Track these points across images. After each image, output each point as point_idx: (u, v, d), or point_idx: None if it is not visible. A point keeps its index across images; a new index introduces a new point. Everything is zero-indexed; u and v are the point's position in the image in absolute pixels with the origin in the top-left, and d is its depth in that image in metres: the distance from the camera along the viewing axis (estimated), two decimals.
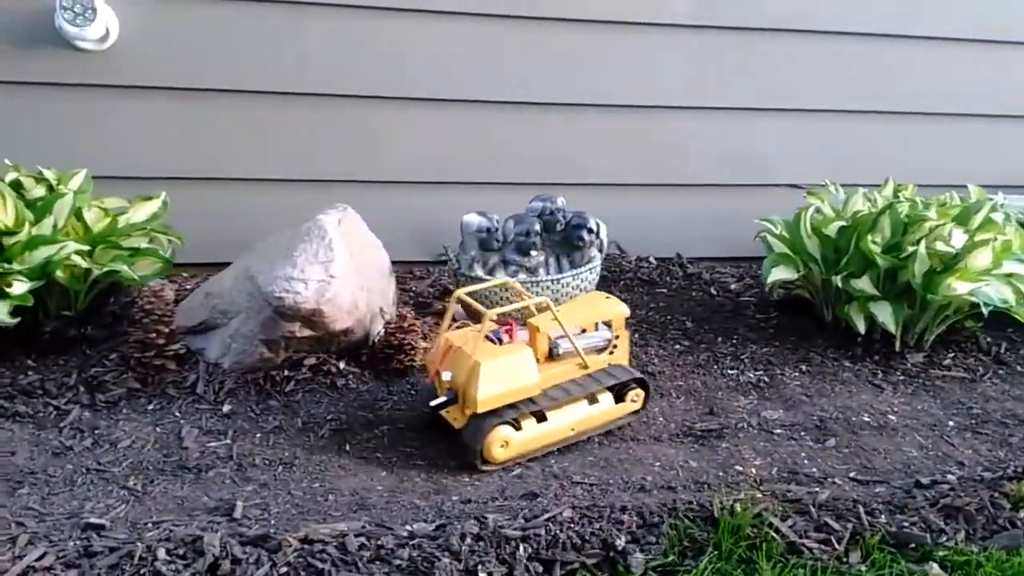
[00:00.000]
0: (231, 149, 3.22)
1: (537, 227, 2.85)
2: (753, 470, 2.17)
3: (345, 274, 2.32)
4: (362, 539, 1.63)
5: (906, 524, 1.79)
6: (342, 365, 2.47)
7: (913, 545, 1.75)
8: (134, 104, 3.11)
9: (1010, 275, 2.81)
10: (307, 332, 2.33)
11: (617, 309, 2.33)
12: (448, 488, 2.02)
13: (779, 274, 2.99)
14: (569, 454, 2.23)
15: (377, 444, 2.23)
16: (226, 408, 2.29)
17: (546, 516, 1.74)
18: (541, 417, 2.14)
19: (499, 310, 2.09)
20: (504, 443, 2.09)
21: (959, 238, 2.79)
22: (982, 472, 2.19)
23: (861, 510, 1.83)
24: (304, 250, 2.29)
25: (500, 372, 2.05)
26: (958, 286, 2.68)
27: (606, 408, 2.27)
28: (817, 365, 2.81)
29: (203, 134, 3.17)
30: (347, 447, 2.20)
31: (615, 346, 2.33)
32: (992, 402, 2.66)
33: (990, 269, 2.74)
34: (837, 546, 1.74)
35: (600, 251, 2.99)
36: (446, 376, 2.09)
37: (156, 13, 3.05)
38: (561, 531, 1.69)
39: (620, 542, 1.68)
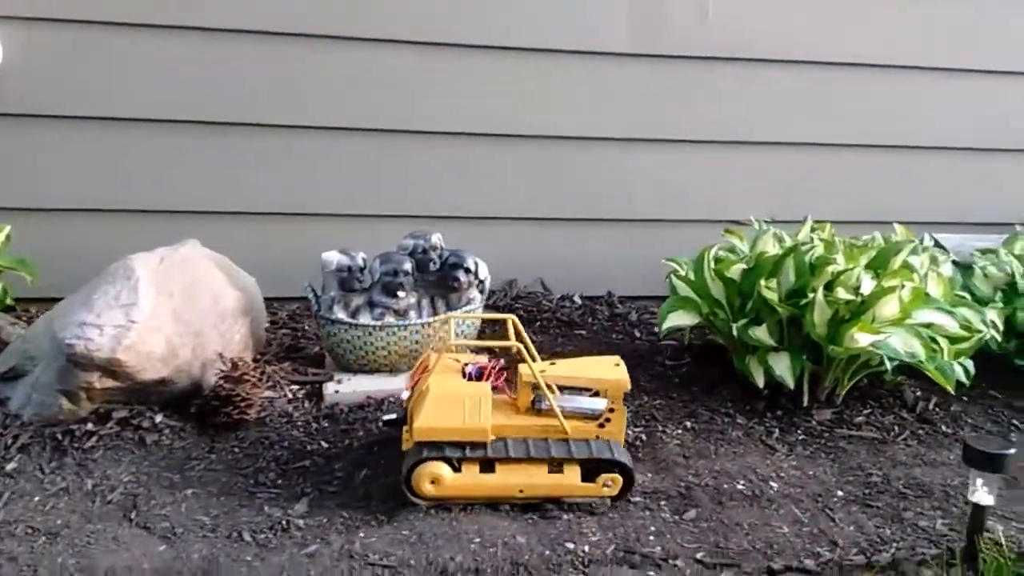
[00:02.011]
0: (88, 179, 3.06)
1: (407, 266, 2.63)
2: (586, 548, 1.90)
3: (155, 319, 2.11)
4: None
5: None
6: (158, 419, 2.26)
7: None
8: None
9: (928, 325, 2.53)
10: (110, 383, 2.12)
11: (613, 376, 2.07)
12: (222, 569, 1.78)
13: (675, 320, 2.75)
14: (387, 525, 1.98)
15: (172, 511, 2.00)
16: (11, 466, 2.08)
17: None
18: (491, 467, 1.99)
19: (459, 342, 2.14)
20: (434, 480, 1.99)
21: (869, 284, 2.51)
22: (854, 555, 1.90)
23: None
24: (105, 292, 2.10)
25: (447, 406, 1.98)
26: (860, 337, 2.40)
27: (568, 482, 2.02)
28: (705, 422, 2.54)
29: (60, 163, 3.00)
30: (134, 514, 1.97)
31: (607, 419, 2.07)
32: (899, 468, 2.38)
33: (901, 319, 2.46)
34: None
35: (482, 292, 2.76)
36: (403, 395, 2.08)
37: None
38: None
39: None
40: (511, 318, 2.15)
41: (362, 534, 1.94)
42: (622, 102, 3.54)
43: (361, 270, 2.58)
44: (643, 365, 3.02)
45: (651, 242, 3.57)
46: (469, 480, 2.00)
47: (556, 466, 2.01)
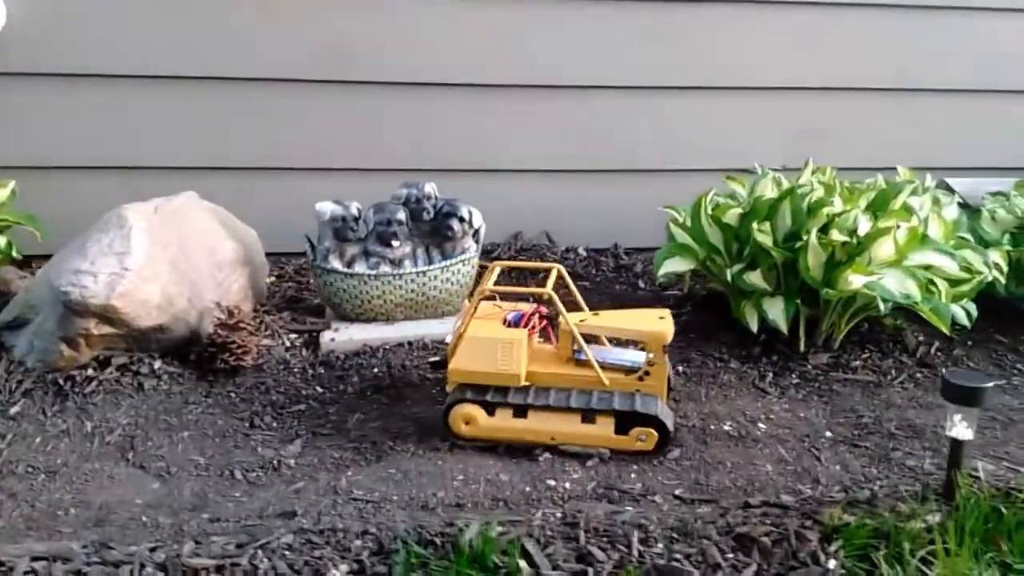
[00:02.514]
0: (90, 135, 3.10)
1: (400, 216, 2.64)
2: (567, 485, 1.93)
3: (150, 267, 2.16)
4: (43, 563, 1.46)
5: (682, 555, 1.54)
6: (157, 365, 2.32)
7: None
8: None
9: (928, 267, 2.49)
10: (108, 329, 2.18)
11: (652, 328, 2.05)
12: (210, 504, 1.85)
13: (671, 266, 2.74)
14: (376, 464, 2.03)
15: (167, 452, 2.07)
16: (14, 409, 2.15)
17: (260, 542, 1.54)
18: (525, 412, 2.03)
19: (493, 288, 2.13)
20: (468, 421, 2.05)
21: (865, 226, 2.48)
22: (835, 492, 1.91)
23: (635, 537, 1.57)
24: (98, 241, 2.15)
25: (481, 350, 2.02)
26: (854, 279, 2.37)
27: (601, 433, 2.03)
28: (698, 367, 2.54)
29: (61, 120, 3.04)
30: (131, 455, 2.04)
31: (646, 372, 2.05)
32: (892, 410, 2.36)
33: (897, 260, 2.43)
34: None
35: (477, 241, 2.77)
36: (448, 338, 2.13)
37: None
38: (270, 560, 1.49)
39: (336, 573, 1.48)
40: (557, 267, 2.17)
41: (350, 472, 1.99)
42: (626, 49, 3.48)
43: (356, 220, 2.60)
44: None
45: (658, 193, 3.51)
46: (502, 423, 2.05)
47: (590, 416, 2.02)
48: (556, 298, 2.05)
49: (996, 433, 2.28)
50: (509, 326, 2.09)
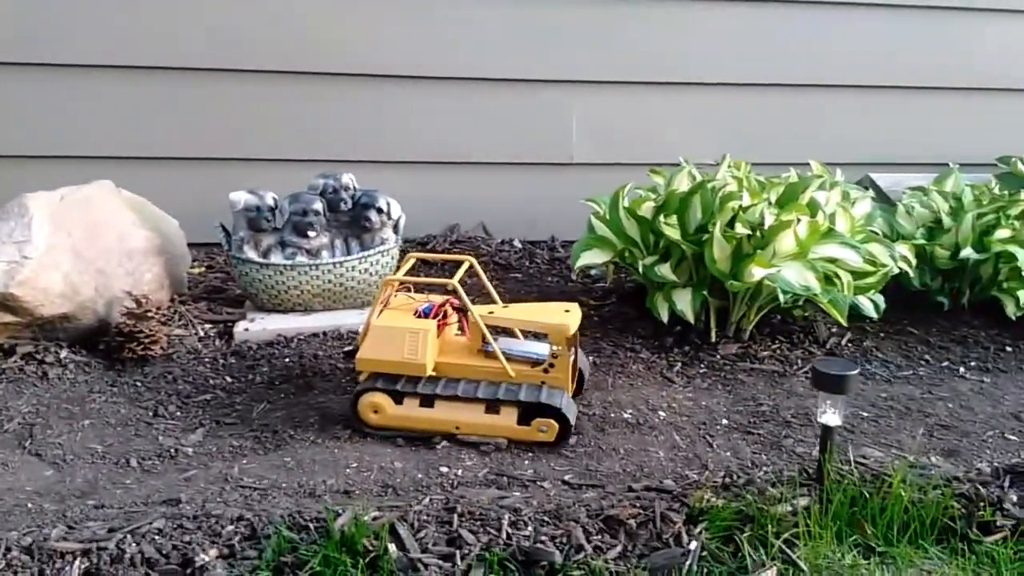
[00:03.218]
0: (13, 125, 3.10)
1: (317, 206, 2.66)
2: (459, 472, 1.97)
3: (52, 255, 2.16)
4: None
5: (548, 538, 1.58)
6: (63, 354, 2.32)
7: (543, 562, 1.53)
8: None
9: (832, 260, 2.55)
10: (10, 318, 2.18)
11: (554, 321, 2.05)
12: (99, 491, 1.86)
13: (588, 258, 2.78)
14: (273, 453, 2.05)
15: (66, 440, 2.08)
16: None
17: (131, 527, 1.56)
18: (430, 401, 2.05)
19: (400, 278, 2.18)
20: (376, 409, 2.08)
21: (771, 220, 2.53)
22: (720, 477, 1.95)
23: (506, 519, 1.61)
24: None
25: (389, 339, 2.04)
26: (755, 271, 2.42)
27: (504, 423, 2.05)
28: (608, 356, 2.58)
29: None
30: (28, 442, 2.05)
31: (551, 365, 2.06)
32: (792, 399, 2.42)
33: (799, 253, 2.48)
34: (460, 563, 1.53)
35: (396, 232, 2.79)
36: (360, 328, 2.16)
37: None
38: (138, 545, 1.51)
39: (204, 557, 1.50)
40: (470, 259, 2.19)
41: (245, 461, 2.01)
42: (563, 44, 3.52)
43: (271, 210, 2.61)
44: None
45: (593, 186, 3.55)
46: (408, 412, 2.07)
47: (494, 407, 2.04)
48: (460, 289, 2.07)
49: (891, 421, 2.35)
50: (420, 317, 2.11)
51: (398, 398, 2.08)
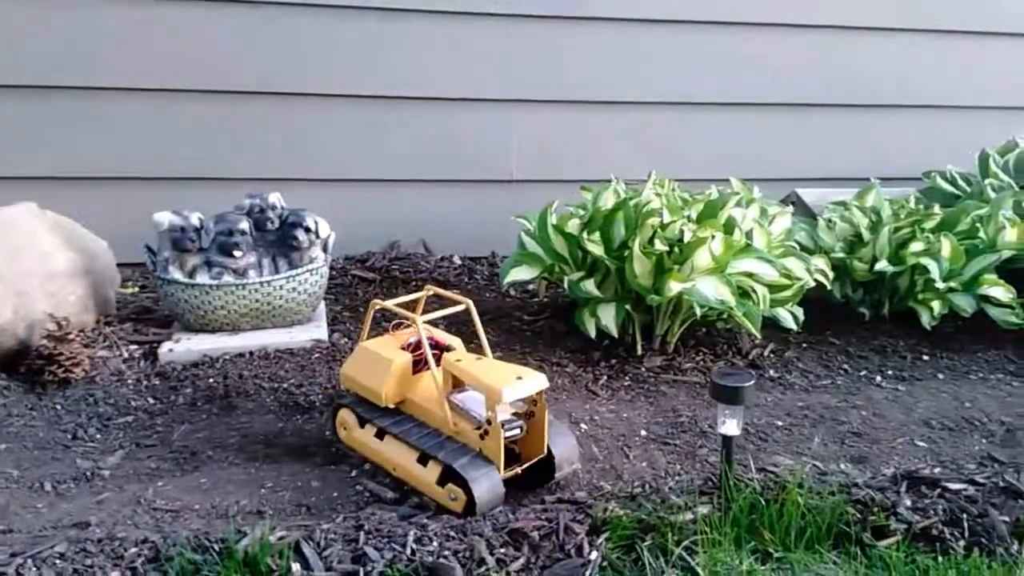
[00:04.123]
0: None
1: (243, 226, 2.67)
2: (372, 486, 1.99)
3: None
4: None
5: (451, 552, 1.61)
6: None
7: None
8: None
9: (749, 274, 2.62)
10: None
11: (491, 382, 1.82)
12: (9, 515, 1.85)
13: (517, 274, 2.82)
14: (190, 475, 2.05)
15: None
16: None
17: (32, 552, 1.56)
18: (383, 434, 2.01)
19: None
20: (345, 426, 2.11)
21: (690, 236, 2.60)
22: (633, 488, 2.00)
23: (411, 536, 1.64)
24: None
25: (365, 362, 2.04)
26: (673, 285, 2.49)
27: (427, 479, 1.89)
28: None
29: None
30: None
31: (485, 431, 1.86)
32: (711, 409, 2.47)
33: (716, 268, 2.55)
34: None
35: (325, 251, 2.81)
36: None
37: None
38: (38, 569, 1.51)
39: None
40: (466, 303, 2.07)
41: (160, 483, 2.01)
42: (502, 63, 3.58)
43: (197, 230, 2.62)
44: (500, 321, 3.10)
45: (531, 202, 3.60)
46: (364, 438, 2.05)
47: (424, 459, 1.91)
48: (421, 328, 1.97)
49: (805, 430, 2.41)
50: (405, 349, 2.04)
51: (362, 422, 2.06)
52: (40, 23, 3.07)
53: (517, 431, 1.89)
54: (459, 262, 3.76)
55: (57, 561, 1.54)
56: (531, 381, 1.86)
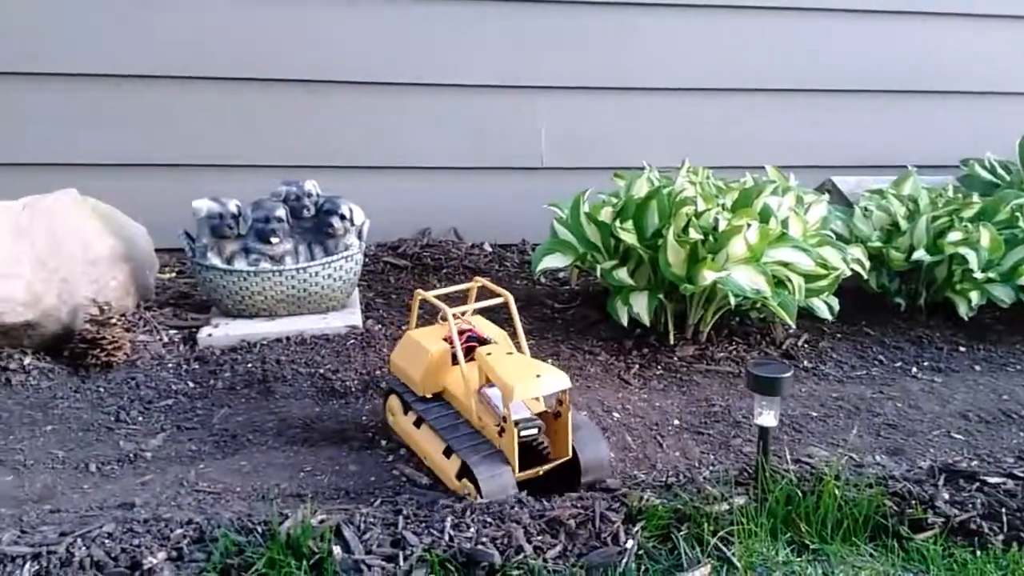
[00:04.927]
0: None
1: (279, 213, 2.70)
2: (408, 471, 2.02)
3: (13, 265, 2.20)
4: None
5: (489, 539, 1.63)
6: (27, 361, 2.35)
7: (483, 563, 1.58)
8: None
9: (784, 263, 2.61)
10: None
11: (508, 379, 1.77)
12: (56, 496, 1.90)
13: (549, 262, 2.83)
14: (231, 457, 2.10)
15: (27, 446, 2.11)
16: None
17: (82, 531, 1.60)
18: (420, 422, 2.03)
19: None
20: (392, 412, 2.15)
21: (724, 225, 2.59)
22: (668, 477, 2.01)
23: (449, 521, 1.66)
24: None
25: (409, 351, 2.07)
26: (707, 275, 2.48)
27: (448, 470, 1.90)
28: (566, 359, 2.63)
29: None
30: None
31: (501, 428, 1.84)
32: (745, 399, 2.47)
33: (751, 257, 2.54)
34: (402, 563, 1.58)
35: (360, 238, 2.83)
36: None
37: None
38: (87, 548, 1.55)
39: (152, 560, 1.54)
40: (507, 296, 2.05)
41: (202, 465, 2.05)
42: (530, 50, 3.57)
43: (234, 217, 2.65)
44: (532, 309, 3.11)
45: (562, 189, 3.60)
46: (405, 425, 2.08)
47: (448, 451, 1.91)
48: (451, 320, 1.95)
49: (840, 421, 2.40)
50: (447, 339, 2.02)
51: (406, 409, 2.08)
52: (78, 13, 3.11)
53: (534, 431, 1.82)
54: (490, 249, 3.76)
55: (106, 541, 1.58)
56: (551, 380, 1.80)
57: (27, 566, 1.50)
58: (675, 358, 2.68)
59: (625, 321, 2.66)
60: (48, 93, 3.15)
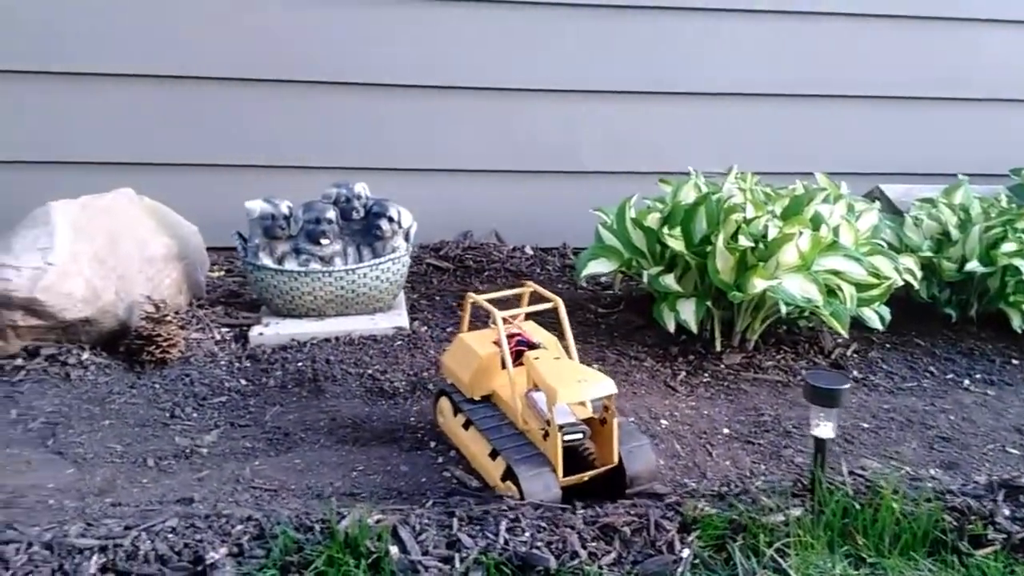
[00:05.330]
0: (43, 133, 3.20)
1: (330, 214, 2.73)
2: (459, 473, 2.03)
3: (74, 262, 2.25)
4: None
5: (543, 544, 1.63)
6: (85, 356, 2.40)
7: (539, 568, 1.58)
8: None
9: (836, 272, 2.58)
10: (35, 321, 2.27)
11: (553, 383, 1.77)
12: (117, 489, 1.94)
13: (595, 267, 2.83)
14: (284, 455, 2.13)
15: (87, 439, 2.16)
16: None
17: (146, 525, 1.63)
18: (470, 424, 2.04)
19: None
20: (442, 413, 2.17)
21: (775, 233, 2.57)
22: (717, 486, 2.00)
23: (503, 525, 1.67)
24: (24, 237, 2.24)
25: (460, 353, 2.09)
26: (757, 283, 2.46)
27: (494, 472, 1.91)
28: (612, 364, 2.63)
29: (16, 118, 3.15)
30: (51, 441, 2.13)
31: (545, 432, 1.84)
32: (794, 409, 2.45)
33: (802, 265, 2.52)
34: (458, 565, 1.59)
35: (407, 240, 2.86)
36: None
37: None
38: (152, 542, 1.58)
39: (215, 555, 1.57)
40: (557, 301, 2.07)
41: (257, 462, 2.08)
42: (573, 54, 3.57)
43: (286, 218, 2.68)
44: (575, 314, 3.10)
45: (603, 194, 3.60)
46: (454, 427, 2.10)
47: (495, 453, 1.91)
48: (500, 323, 1.96)
49: (892, 433, 2.37)
50: (493, 341, 2.04)
51: (456, 411, 2.10)
52: (136, 16, 3.17)
53: (579, 436, 1.82)
54: (531, 252, 3.77)
55: (169, 535, 1.61)
56: (595, 386, 1.79)
57: (94, 558, 1.53)
58: (722, 365, 2.66)
59: (671, 327, 2.65)
60: (105, 94, 3.22)
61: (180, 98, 3.29)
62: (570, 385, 1.77)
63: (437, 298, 3.15)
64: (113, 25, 3.16)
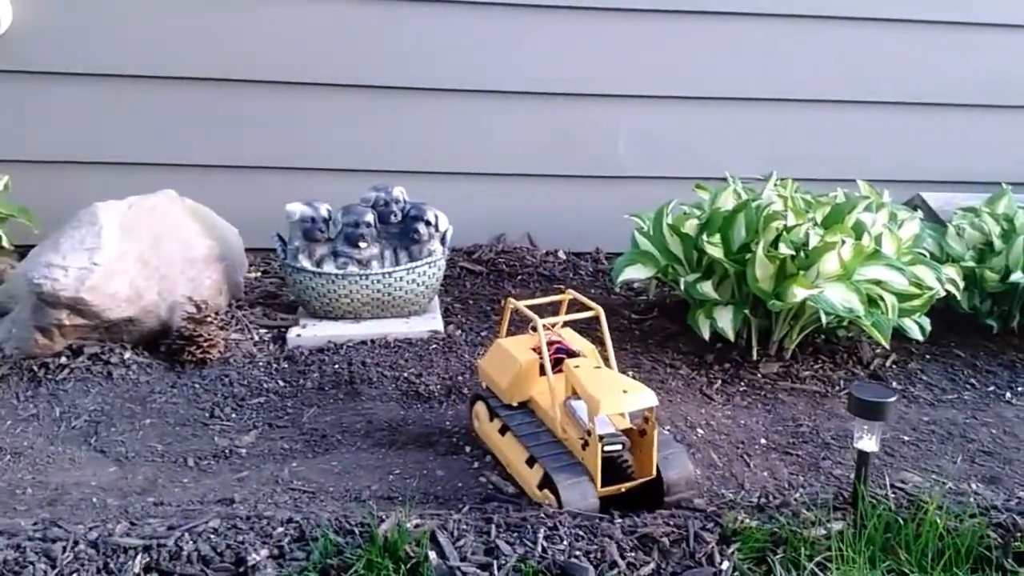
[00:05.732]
0: (83, 132, 3.25)
1: (368, 218, 2.75)
2: (494, 479, 2.03)
3: (119, 261, 2.29)
4: None
5: (582, 552, 1.63)
6: (127, 355, 2.44)
7: None
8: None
9: (877, 282, 2.55)
10: (79, 320, 2.31)
11: (594, 393, 1.76)
12: (158, 488, 1.96)
13: (631, 273, 2.82)
14: (321, 457, 2.14)
15: (128, 438, 2.19)
16: None
17: (189, 526, 1.65)
18: (506, 430, 2.03)
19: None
20: (477, 418, 2.18)
21: (816, 241, 2.54)
22: (755, 498, 1.98)
23: (542, 533, 1.67)
24: (71, 236, 2.28)
25: (498, 359, 2.08)
26: (797, 291, 2.44)
27: (531, 480, 1.90)
28: (647, 372, 2.62)
29: (55, 117, 3.21)
30: (93, 439, 2.17)
31: (585, 442, 1.83)
32: (833, 420, 2.43)
33: (843, 274, 2.49)
34: (497, 572, 1.59)
35: (443, 244, 2.87)
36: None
37: None
38: (195, 543, 1.60)
39: (256, 557, 1.58)
40: (597, 310, 2.07)
41: (294, 464, 2.10)
42: (607, 58, 3.56)
43: (325, 221, 2.71)
44: (609, 319, 3.02)
45: (637, 199, 3.58)
46: (490, 432, 2.10)
47: (531, 460, 1.91)
48: (541, 330, 1.94)
49: (933, 446, 2.34)
50: (532, 347, 2.04)
51: (492, 416, 2.10)
52: (182, 21, 3.21)
53: (618, 447, 1.81)
54: (564, 257, 3.76)
55: (211, 536, 1.63)
56: (637, 397, 1.79)
57: (138, 558, 1.56)
58: (758, 374, 2.64)
59: (707, 335, 2.64)
60: (148, 96, 3.26)
61: (223, 101, 3.32)
62: (612, 396, 1.77)
63: (471, 302, 3.15)
64: (158, 29, 3.20)
